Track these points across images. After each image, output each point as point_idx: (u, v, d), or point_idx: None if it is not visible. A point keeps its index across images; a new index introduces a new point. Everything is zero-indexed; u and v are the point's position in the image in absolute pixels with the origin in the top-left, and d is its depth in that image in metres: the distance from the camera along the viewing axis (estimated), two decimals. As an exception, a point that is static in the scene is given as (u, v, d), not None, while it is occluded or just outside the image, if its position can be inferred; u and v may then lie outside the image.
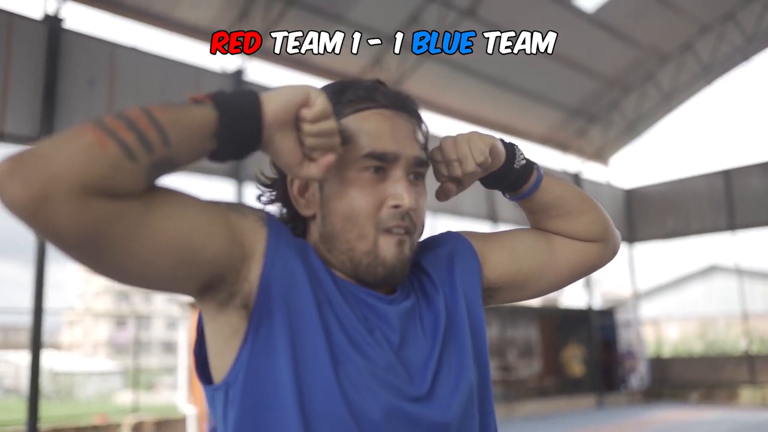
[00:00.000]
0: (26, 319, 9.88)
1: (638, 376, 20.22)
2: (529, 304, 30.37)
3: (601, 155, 20.60)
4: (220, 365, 0.99)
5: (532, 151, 19.31)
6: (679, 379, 20.24)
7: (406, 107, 1.12)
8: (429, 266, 1.18)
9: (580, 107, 18.74)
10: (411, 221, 1.07)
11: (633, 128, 19.83)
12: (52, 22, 10.13)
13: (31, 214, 0.73)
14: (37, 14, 10.16)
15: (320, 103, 0.93)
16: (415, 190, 1.09)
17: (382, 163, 1.05)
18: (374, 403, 0.96)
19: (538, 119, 18.55)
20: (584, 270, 1.30)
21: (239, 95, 0.91)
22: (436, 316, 1.12)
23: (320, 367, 0.96)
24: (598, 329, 19.75)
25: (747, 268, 22.07)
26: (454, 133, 1.16)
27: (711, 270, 29.96)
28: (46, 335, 10.08)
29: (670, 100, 18.92)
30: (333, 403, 0.94)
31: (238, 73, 12.29)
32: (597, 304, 21.59)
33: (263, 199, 1.15)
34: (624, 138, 20.36)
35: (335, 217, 1.05)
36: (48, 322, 11.98)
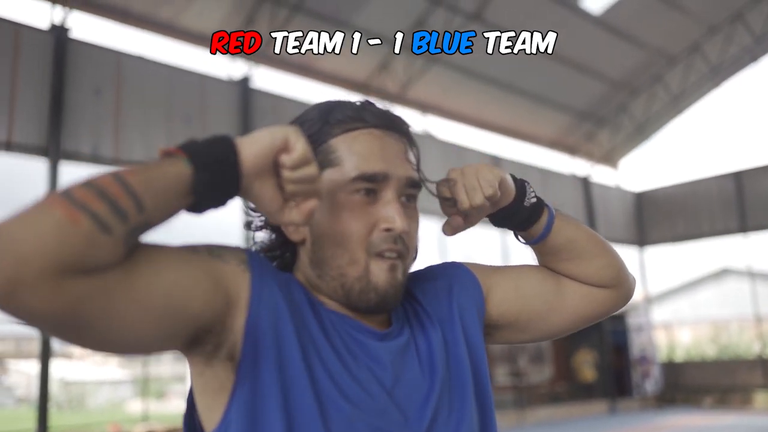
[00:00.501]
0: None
1: (653, 381, 20.04)
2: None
3: (610, 158, 20.49)
4: (209, 419, 0.95)
5: (540, 155, 19.26)
6: (692, 383, 20.06)
7: (397, 127, 1.08)
8: (427, 299, 1.14)
9: (588, 110, 18.65)
10: (404, 245, 1.03)
11: (642, 131, 19.72)
12: (59, 32, 10.16)
13: (2, 299, 0.68)
14: (43, 24, 10.19)
15: (300, 148, 0.88)
16: (407, 213, 1.05)
17: (372, 185, 1.01)
18: None
19: (546, 123, 18.47)
20: (592, 317, 1.24)
21: (213, 143, 0.86)
22: (434, 352, 1.07)
23: (311, 420, 0.91)
24: (610, 334, 19.61)
25: (759, 270, 21.87)
26: (461, 165, 1.11)
27: (723, 273, 29.72)
28: (57, 344, 10.07)
29: (679, 102, 18.81)
30: None
31: (245, 81, 12.29)
32: (608, 308, 21.41)
33: (252, 225, 1.11)
34: (633, 141, 20.25)
35: (325, 242, 1.01)
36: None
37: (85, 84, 10.35)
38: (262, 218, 1.10)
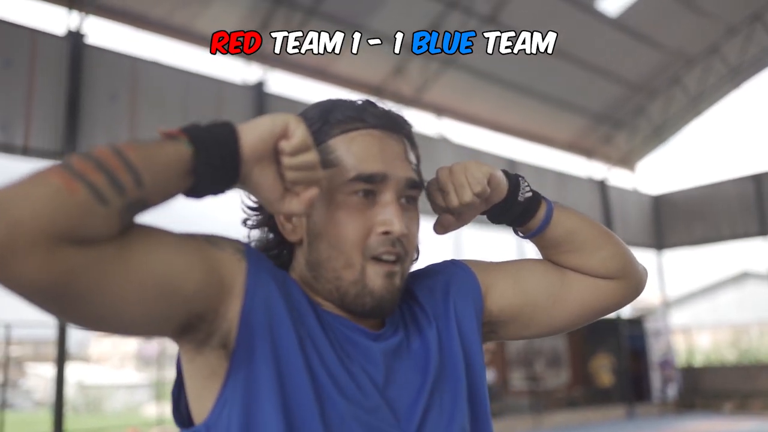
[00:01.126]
0: (53, 333, 9.93)
1: (675, 386, 19.79)
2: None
3: (627, 161, 20.32)
4: (200, 406, 0.94)
5: (556, 158, 19.14)
6: (712, 388, 19.82)
7: (397, 127, 1.06)
8: (423, 297, 1.13)
9: (605, 113, 18.50)
10: (402, 248, 1.01)
11: (659, 133, 19.54)
12: (75, 37, 10.21)
13: None
14: (59, 30, 10.25)
15: (299, 135, 0.87)
16: (407, 215, 1.03)
17: (370, 186, 1.00)
18: None
19: (562, 126, 18.35)
20: (600, 309, 1.21)
21: (214, 128, 0.85)
22: (428, 352, 1.06)
23: (307, 410, 0.91)
24: (627, 338, 19.42)
25: (780, 274, 21.57)
26: (450, 163, 1.11)
27: (743, 276, 29.38)
28: (74, 348, 10.14)
29: (698, 104, 18.62)
30: None
31: (260, 85, 12.30)
32: (626, 312, 21.25)
33: (249, 223, 1.09)
34: (650, 143, 20.07)
35: (321, 244, 1.00)
36: (77, 335, 12.05)
37: (100, 89, 10.40)
38: (259, 217, 1.08)
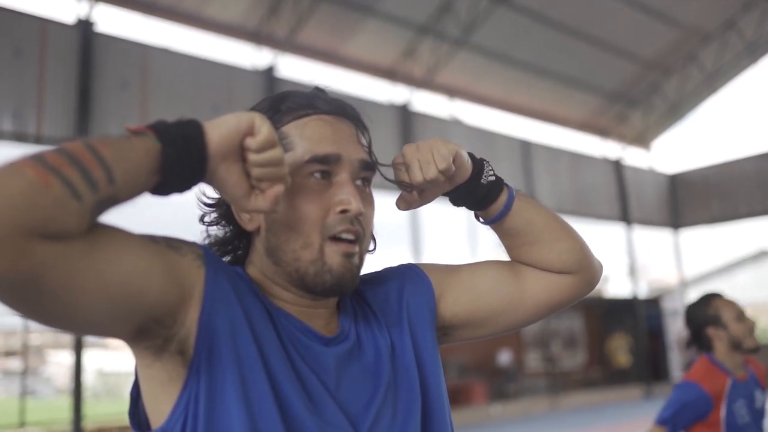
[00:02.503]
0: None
1: None
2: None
3: (642, 140, 20.14)
4: (156, 411, 0.93)
5: (570, 138, 19.00)
6: (730, 367, 19.70)
7: (347, 113, 1.09)
8: (377, 304, 1.13)
9: (620, 91, 18.32)
10: (360, 226, 1.03)
11: (675, 111, 19.33)
12: (85, 26, 10.22)
13: None
14: (69, 19, 10.25)
15: (265, 131, 0.87)
16: (362, 196, 1.04)
17: (325, 167, 1.01)
18: None
19: (576, 105, 18.19)
20: (554, 306, 1.21)
21: (180, 124, 0.86)
22: (380, 360, 1.07)
23: (270, 417, 0.91)
24: (644, 318, 19.34)
25: (799, 251, 21.37)
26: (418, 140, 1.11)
27: (761, 255, 29.14)
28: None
29: (714, 80, 18.38)
30: None
31: (270, 70, 12.26)
32: (642, 292, 21.15)
33: (206, 219, 1.10)
34: (666, 121, 19.87)
35: (280, 227, 1.01)
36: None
37: (111, 77, 10.42)
38: (215, 213, 1.09)
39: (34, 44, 9.75)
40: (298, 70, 13.47)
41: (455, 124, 15.51)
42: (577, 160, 18.19)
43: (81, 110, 9.92)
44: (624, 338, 19.25)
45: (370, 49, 14.09)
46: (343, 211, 1.00)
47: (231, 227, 1.08)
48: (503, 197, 1.16)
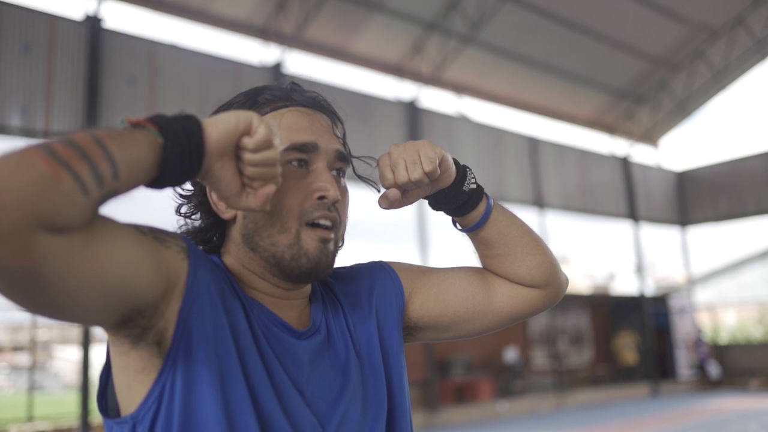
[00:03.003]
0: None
1: (713, 364, 19.57)
2: (580, 291, 29.83)
3: (650, 137, 20.07)
4: (128, 399, 0.94)
5: (578, 135, 18.96)
6: (738, 366, 19.67)
7: (323, 106, 1.12)
8: (348, 302, 1.16)
9: (628, 88, 18.25)
10: (337, 213, 1.05)
11: (683, 108, 19.26)
12: (93, 22, 10.24)
13: None
14: (77, 15, 10.27)
15: (262, 131, 0.89)
16: (338, 185, 1.07)
17: (303, 155, 1.04)
18: None
19: (584, 102, 18.14)
20: (518, 318, 1.25)
21: (180, 119, 0.87)
22: (348, 356, 1.09)
23: (246, 411, 0.93)
24: (651, 316, 19.28)
25: (807, 249, 21.26)
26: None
27: (769, 252, 29.00)
28: (98, 330, 10.26)
29: (722, 77, 18.30)
30: None
31: (277, 67, 12.26)
32: (650, 290, 21.09)
33: (183, 210, 1.11)
34: (674, 119, 19.79)
35: (258, 213, 1.02)
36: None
37: (119, 73, 10.43)
38: (192, 204, 1.10)
39: (42, 40, 9.77)
40: (306, 66, 13.48)
41: (463, 120, 15.49)
42: (584, 157, 18.15)
43: (89, 106, 9.94)
44: (631, 336, 19.20)
45: (377, 45, 14.07)
46: (321, 198, 1.03)
47: (207, 217, 1.09)
48: (482, 206, 1.17)
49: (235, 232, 1.06)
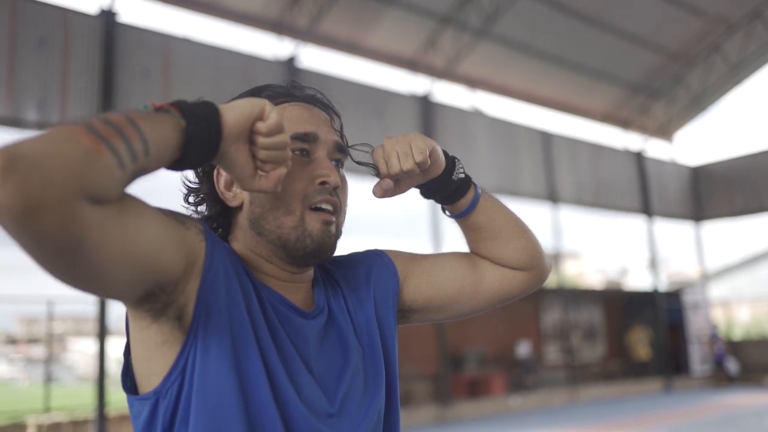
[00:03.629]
0: (94, 309, 10.13)
1: (732, 360, 19.44)
2: (593, 286, 29.70)
3: (665, 132, 19.94)
4: (149, 373, 1.00)
5: (592, 130, 18.86)
6: (752, 362, 19.56)
7: (321, 102, 1.20)
8: (348, 286, 1.24)
9: (642, 82, 18.13)
10: (337, 197, 1.13)
11: (698, 102, 19.12)
12: (107, 16, 10.28)
13: (19, 219, 0.71)
14: (92, 9, 10.32)
15: (275, 117, 0.96)
16: (338, 173, 1.15)
17: (305, 145, 1.11)
18: (300, 421, 1.01)
19: (598, 96, 18.04)
20: (506, 298, 1.33)
21: (200, 104, 0.93)
22: (349, 336, 1.17)
23: (260, 383, 1.00)
24: (665, 311, 19.19)
25: (823, 245, 21.06)
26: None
27: (784, 248, 28.77)
28: (113, 323, 10.36)
29: (738, 71, 18.14)
30: (272, 417, 0.99)
31: (291, 60, 12.26)
32: (663, 285, 20.98)
33: (191, 200, 1.18)
34: (689, 113, 19.65)
35: (264, 198, 1.09)
36: (116, 310, 12.27)
37: (133, 67, 10.48)
38: (200, 194, 1.17)
39: (57, 35, 9.82)
40: (320, 60, 13.48)
41: (476, 115, 15.44)
42: (598, 151, 18.05)
43: (104, 100, 9.99)
44: (644, 331, 19.11)
45: (391, 39, 14.05)
46: (323, 183, 1.10)
47: (214, 205, 1.16)
48: (470, 194, 1.26)
49: (242, 219, 1.13)
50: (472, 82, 15.85)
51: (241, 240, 1.13)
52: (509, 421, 13.35)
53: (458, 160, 1.26)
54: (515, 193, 15.75)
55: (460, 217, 1.28)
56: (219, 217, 1.16)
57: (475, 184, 1.27)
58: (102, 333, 9.80)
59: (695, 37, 17.07)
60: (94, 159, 0.75)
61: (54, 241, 0.74)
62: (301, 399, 1.03)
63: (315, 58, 13.08)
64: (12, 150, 0.70)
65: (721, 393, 17.13)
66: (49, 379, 11.97)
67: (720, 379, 19.03)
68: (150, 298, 0.95)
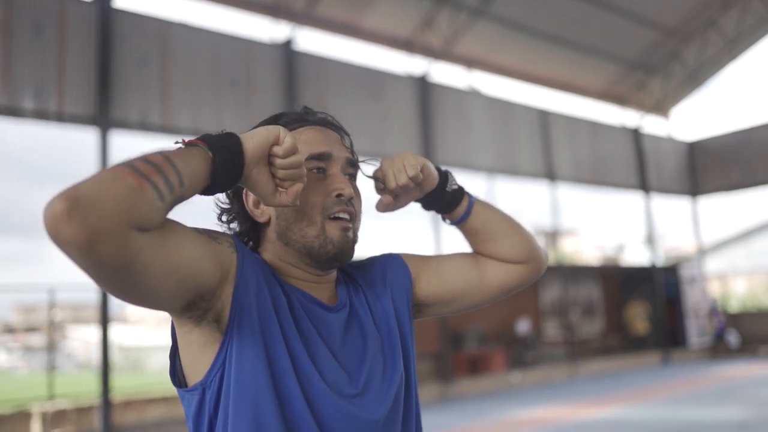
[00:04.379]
0: (93, 296, 10.15)
1: (734, 333, 19.59)
2: (590, 262, 29.84)
3: (661, 108, 19.95)
4: (195, 369, 1.16)
5: (589, 107, 18.86)
6: (748, 333, 19.75)
7: (332, 124, 1.34)
8: (367, 284, 1.39)
9: (639, 59, 18.12)
10: (353, 207, 1.27)
11: (695, 78, 19.12)
12: (103, 2, 10.18)
13: (84, 251, 0.85)
14: (87, -5, 10.22)
15: (289, 140, 1.11)
16: (352, 186, 1.30)
17: (321, 163, 1.26)
18: (324, 399, 1.16)
19: (595, 74, 18.02)
20: (510, 289, 1.47)
21: (224, 137, 1.08)
22: (369, 323, 1.32)
23: (287, 374, 1.14)
24: (662, 286, 19.33)
25: (818, 217, 21.18)
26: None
27: (779, 221, 28.91)
28: (113, 310, 10.36)
29: (734, 46, 18.13)
30: (297, 396, 1.14)
31: (288, 44, 12.20)
32: (660, 260, 21.11)
33: (224, 218, 1.32)
34: (685, 89, 19.66)
35: (289, 213, 1.24)
36: (115, 299, 12.27)
37: (130, 53, 10.41)
38: (232, 212, 1.31)
39: (53, 22, 9.74)
40: (317, 42, 13.40)
41: (473, 94, 15.42)
42: (595, 128, 18.07)
43: (101, 87, 9.93)
44: (642, 306, 19.26)
45: (387, 20, 13.98)
46: (339, 195, 1.25)
47: (245, 222, 1.31)
48: (465, 203, 1.42)
49: (270, 232, 1.28)
50: (469, 62, 15.80)
51: (271, 251, 1.28)
52: (510, 397, 13.49)
53: (451, 174, 1.42)
54: (513, 171, 15.78)
55: (458, 223, 1.44)
56: (249, 233, 1.31)
57: (468, 194, 1.43)
58: (104, 320, 9.83)
59: (691, 12, 17.04)
60: (139, 195, 0.90)
61: (112, 265, 0.88)
62: (325, 380, 1.17)
63: (312, 41, 13.02)
64: (72, 193, 0.85)
65: (718, 364, 17.32)
66: (51, 366, 12.00)
67: (720, 351, 19.22)
68: (191, 307, 1.10)
